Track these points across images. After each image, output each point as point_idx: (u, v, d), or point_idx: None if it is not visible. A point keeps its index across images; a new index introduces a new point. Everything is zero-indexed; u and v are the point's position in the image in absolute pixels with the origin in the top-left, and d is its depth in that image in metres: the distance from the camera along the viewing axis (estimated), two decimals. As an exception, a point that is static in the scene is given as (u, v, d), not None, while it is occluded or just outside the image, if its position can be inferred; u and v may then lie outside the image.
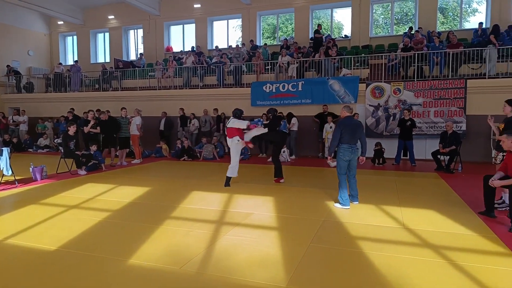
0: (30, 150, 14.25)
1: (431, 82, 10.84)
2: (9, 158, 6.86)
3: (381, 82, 11.41)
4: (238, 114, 7.29)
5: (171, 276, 3.12)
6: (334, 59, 12.22)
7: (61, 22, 19.26)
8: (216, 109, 12.85)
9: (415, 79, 11.09)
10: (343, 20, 16.16)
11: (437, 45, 11.57)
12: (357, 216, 4.94)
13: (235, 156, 7.04)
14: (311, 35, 15.50)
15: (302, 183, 7.36)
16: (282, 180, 7.39)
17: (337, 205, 5.41)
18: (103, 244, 3.92)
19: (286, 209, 5.35)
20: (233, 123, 7.04)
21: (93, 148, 9.16)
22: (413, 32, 12.76)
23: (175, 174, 8.78)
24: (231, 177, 7.06)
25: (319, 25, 14.19)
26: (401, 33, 14.30)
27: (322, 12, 16.34)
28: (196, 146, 11.97)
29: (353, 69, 12.26)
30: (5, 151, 6.78)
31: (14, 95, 16.94)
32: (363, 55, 12.55)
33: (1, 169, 6.82)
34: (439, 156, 8.99)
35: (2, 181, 7.11)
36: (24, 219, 4.81)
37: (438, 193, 6.40)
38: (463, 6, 14.29)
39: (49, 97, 16.39)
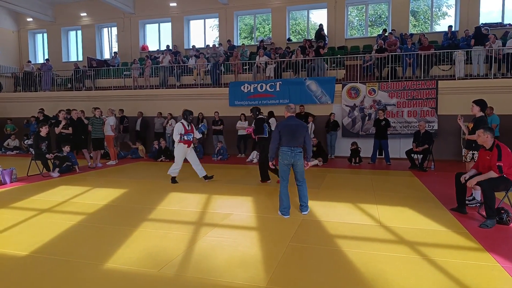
0: (-2, 152, 13.64)
1: (404, 83, 11.16)
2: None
3: (357, 82, 11.65)
4: (186, 115, 7.33)
5: (149, 279, 3.06)
6: (311, 59, 12.37)
7: (30, 19, 18.52)
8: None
9: (389, 80, 11.39)
10: (319, 21, 16.38)
11: (409, 47, 11.93)
12: (335, 214, 5.02)
13: (178, 159, 7.28)
14: (287, 35, 15.63)
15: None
16: (269, 181, 7.40)
17: (279, 212, 4.97)
18: (78, 248, 3.80)
19: (265, 208, 5.36)
20: (175, 128, 7.20)
21: (66, 149, 8.86)
22: (386, 34, 13.10)
23: (153, 175, 8.63)
24: (173, 176, 7.37)
25: (321, 25, 14.34)
26: (375, 35, 14.65)
27: (299, 13, 16.50)
28: (173, 147, 11.81)
29: (330, 70, 12.44)
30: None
31: (-20, 94, 16.15)
32: (339, 56, 12.77)
33: (-34, 172, 6.49)
34: (412, 155, 9.28)
35: (-33, 185, 6.77)
36: (-8, 225, 4.59)
37: (412, 191, 6.60)
38: (433, 9, 14.80)
39: (18, 97, 15.73)
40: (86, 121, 9.98)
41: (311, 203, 5.42)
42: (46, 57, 18.23)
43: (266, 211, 5.21)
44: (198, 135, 7.69)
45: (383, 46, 12.11)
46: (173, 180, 7.38)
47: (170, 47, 16.09)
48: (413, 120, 11.03)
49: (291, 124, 4.94)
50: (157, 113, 12.78)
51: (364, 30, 15.52)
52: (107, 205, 5.64)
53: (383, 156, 10.23)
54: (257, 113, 7.54)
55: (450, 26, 12.91)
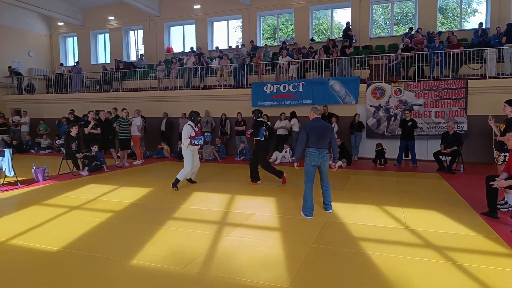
0: (32, 151, 14.27)
1: (432, 83, 10.84)
2: (11, 159, 6.86)
3: (382, 82, 11.42)
4: (193, 117, 7.12)
5: (173, 277, 3.12)
6: (335, 59, 12.24)
7: (61, 23, 19.27)
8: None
9: (416, 80, 11.10)
10: (343, 20, 16.19)
11: (437, 45, 11.58)
12: (359, 217, 4.95)
13: (188, 161, 6.99)
14: (311, 35, 15.52)
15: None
16: (259, 182, 7.44)
17: (302, 213, 4.97)
18: (106, 245, 3.93)
19: (288, 209, 5.35)
20: (184, 131, 6.94)
21: (94, 148, 9.17)
22: (413, 32, 12.77)
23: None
24: (180, 180, 6.93)
25: (348, 22, 14.03)
26: (401, 33, 14.32)
27: (322, 13, 16.36)
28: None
29: (354, 69, 12.26)
30: (7, 152, 6.79)
31: (16, 96, 16.95)
32: (363, 55, 12.56)
33: (3, 170, 6.82)
34: (440, 157, 9.00)
35: (4, 182, 7.12)
36: (26, 220, 4.82)
37: (440, 194, 6.40)
38: (463, 6, 14.30)
39: (50, 98, 16.39)
40: (111, 120, 10.27)
41: (334, 205, 5.37)
42: (76, 59, 18.95)
43: (289, 212, 5.20)
44: (192, 144, 7.02)
45: (410, 45, 11.81)
46: (175, 184, 6.84)
47: (194, 49, 16.33)
48: (441, 121, 10.70)
49: (318, 126, 4.99)
50: (182, 114, 12.99)
51: (389, 29, 15.19)
52: (133, 203, 5.79)
53: (409, 158, 9.97)
54: (259, 115, 7.44)
55: (480, 23, 12.43)
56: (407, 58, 11.52)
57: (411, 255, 3.58)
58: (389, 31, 15.14)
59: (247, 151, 11.54)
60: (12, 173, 6.84)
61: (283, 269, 3.25)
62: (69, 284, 3.01)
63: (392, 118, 11.21)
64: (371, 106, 11.42)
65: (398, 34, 14.56)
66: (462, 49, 11.08)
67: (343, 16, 15.91)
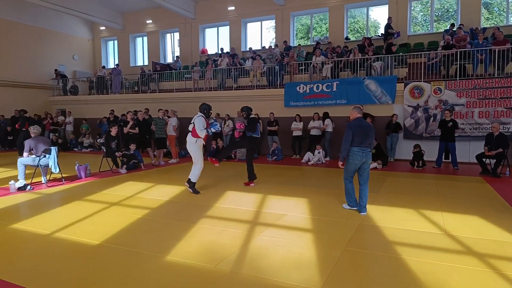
0: (75, 149, 15.08)
1: (475, 81, 10.29)
2: (57, 156, 7.29)
3: (421, 81, 10.99)
4: (206, 110, 6.60)
5: (206, 274, 3.19)
6: (370, 58, 11.94)
7: (103, 28, 20.22)
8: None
9: (457, 78, 10.58)
10: (379, 18, 15.75)
11: (481, 42, 10.96)
12: (395, 220, 4.80)
13: (199, 157, 6.46)
14: (346, 34, 15.23)
15: (337, 185, 7.21)
16: (252, 184, 7.14)
17: (346, 206, 5.36)
18: (142, 240, 4.08)
19: (320, 211, 5.29)
20: (197, 122, 6.34)
21: (132, 147, 9.54)
22: (454, 29, 12.18)
23: (210, 174, 8.92)
24: (194, 182, 6.42)
25: (390, 18, 13.28)
26: (441, 30, 13.70)
27: (358, 11, 16.00)
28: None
29: (391, 68, 11.89)
30: (53, 150, 7.21)
31: (61, 97, 17.99)
32: (401, 53, 12.15)
33: (50, 167, 7.26)
34: (484, 159, 8.52)
35: (50, 179, 7.59)
36: (70, 214, 5.10)
37: (483, 198, 6.07)
38: (509, 0, 13.44)
39: (92, 99, 17.26)
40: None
41: (369, 207, 5.24)
42: (116, 62, 19.80)
43: (321, 214, 5.14)
44: (209, 132, 6.62)
45: (451, 42, 11.27)
46: (195, 188, 6.45)
47: (225, 50, 16.53)
48: (485, 122, 10.13)
49: (363, 125, 5.12)
50: (215, 114, 13.21)
51: (429, 26, 14.59)
52: (168, 201, 5.96)
53: (449, 160, 9.53)
54: (250, 112, 7.16)
55: (530, 18, 11.65)
56: (448, 55, 11.01)
57: (451, 261, 3.42)
58: (429, 28, 14.54)
59: (279, 151, 11.52)
60: (58, 170, 7.25)
61: (315, 271, 3.22)
62: (109, 276, 3.16)
63: (431, 119, 10.76)
64: (408, 106, 11.02)
65: (438, 31, 13.94)
66: (508, 45, 10.43)
67: (379, 14, 15.49)
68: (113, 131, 9.12)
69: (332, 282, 3.00)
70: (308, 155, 10.82)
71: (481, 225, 4.58)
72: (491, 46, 10.64)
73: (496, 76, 10.30)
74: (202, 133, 6.36)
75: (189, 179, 6.46)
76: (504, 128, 9.71)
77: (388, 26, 13.02)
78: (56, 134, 15.15)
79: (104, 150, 9.25)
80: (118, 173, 8.77)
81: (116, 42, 20.70)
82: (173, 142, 11.04)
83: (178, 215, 5.10)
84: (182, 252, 3.66)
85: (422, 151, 9.74)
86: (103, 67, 19.01)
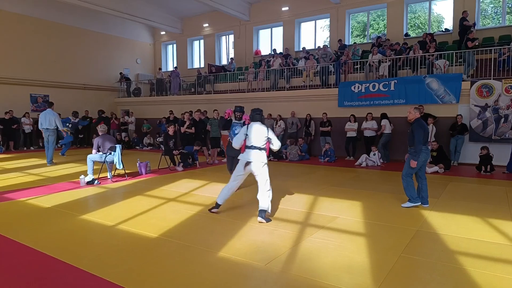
0: (137, 147, 16.10)
1: (556, 78, 9.22)
2: (121, 154, 7.84)
3: (490, 79, 10.10)
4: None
5: (257, 272, 3.23)
6: (432, 55, 11.22)
7: (163, 32, 21.33)
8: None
9: (534, 75, 9.57)
10: (443, 12, 14.76)
11: None
12: (456, 227, 4.47)
13: (266, 180, 4.93)
14: (405, 30, 14.48)
15: (393, 188, 6.89)
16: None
17: (406, 204, 5.44)
18: (197, 235, 4.24)
19: (374, 215, 5.10)
20: (273, 136, 4.96)
21: (196, 146, 9.99)
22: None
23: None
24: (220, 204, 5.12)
25: (465, 12, 12.25)
26: (515, 23, 12.47)
27: (419, 6, 15.13)
28: (281, 147, 12.15)
29: (456, 65, 11.07)
30: (118, 147, 7.76)
31: (125, 98, 19.33)
32: (466, 49, 11.25)
33: (115, 163, 7.83)
34: None
35: (115, 174, 8.19)
36: (131, 208, 5.46)
37: None
38: None
39: (152, 100, 18.31)
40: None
41: (427, 213, 4.95)
42: (175, 65, 20.80)
43: (375, 218, 4.95)
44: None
45: (527, 35, 10.22)
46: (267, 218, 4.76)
47: (278, 51, 16.54)
48: None
49: (426, 125, 5.49)
50: (267, 115, 13.29)
51: (500, 19, 13.35)
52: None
53: (523, 165, 8.66)
54: (242, 110, 6.79)
55: None
56: (523, 50, 10.00)
57: (522, 276, 3.11)
58: (500, 21, 13.30)
59: (332, 152, 11.29)
60: (121, 166, 7.80)
61: (367, 277, 3.12)
62: (164, 268, 3.33)
63: (502, 120, 9.83)
64: (475, 105, 10.18)
65: (511, 24, 12.70)
66: None
67: (443, 8, 14.50)
68: (171, 130, 9.58)
69: (385, 289, 2.88)
70: (363, 157, 10.43)
71: (560, 238, 4.10)
72: None
73: None
74: (239, 143, 5.08)
75: (262, 210, 4.73)
76: None
77: (463, 19, 12.02)
78: (124, 133, 16.31)
79: (163, 148, 9.76)
80: (175, 171, 9.20)
81: (175, 45, 21.73)
82: (226, 142, 11.30)
83: (230, 213, 5.23)
84: (233, 249, 3.75)
85: (491, 154, 8.95)
86: (159, 69, 20.17)
